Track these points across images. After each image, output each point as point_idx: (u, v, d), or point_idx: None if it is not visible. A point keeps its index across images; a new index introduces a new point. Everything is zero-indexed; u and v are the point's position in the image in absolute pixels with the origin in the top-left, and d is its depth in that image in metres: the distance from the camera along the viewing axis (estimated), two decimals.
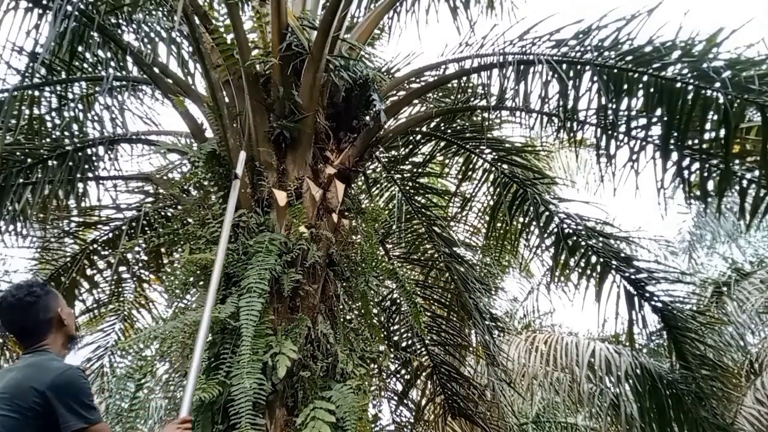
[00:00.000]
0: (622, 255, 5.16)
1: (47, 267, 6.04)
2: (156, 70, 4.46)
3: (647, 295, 5.16)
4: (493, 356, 6.29)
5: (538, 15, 5.89)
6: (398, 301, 6.25)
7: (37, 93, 4.67)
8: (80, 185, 5.05)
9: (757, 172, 3.98)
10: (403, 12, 6.29)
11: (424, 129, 5.62)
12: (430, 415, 6.76)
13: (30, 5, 4.02)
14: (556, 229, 5.20)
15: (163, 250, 5.90)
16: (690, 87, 3.76)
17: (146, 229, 5.72)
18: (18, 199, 4.75)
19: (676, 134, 3.97)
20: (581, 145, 5.75)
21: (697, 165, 4.13)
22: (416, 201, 6.23)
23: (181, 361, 3.51)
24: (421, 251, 6.52)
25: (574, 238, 5.20)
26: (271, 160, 4.05)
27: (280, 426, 3.37)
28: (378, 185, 6.45)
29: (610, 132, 4.40)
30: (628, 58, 3.99)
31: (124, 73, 5.03)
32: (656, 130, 4.16)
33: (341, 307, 4.01)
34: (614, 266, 5.15)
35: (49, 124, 4.91)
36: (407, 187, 6.22)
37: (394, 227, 6.31)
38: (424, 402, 6.71)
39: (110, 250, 6.00)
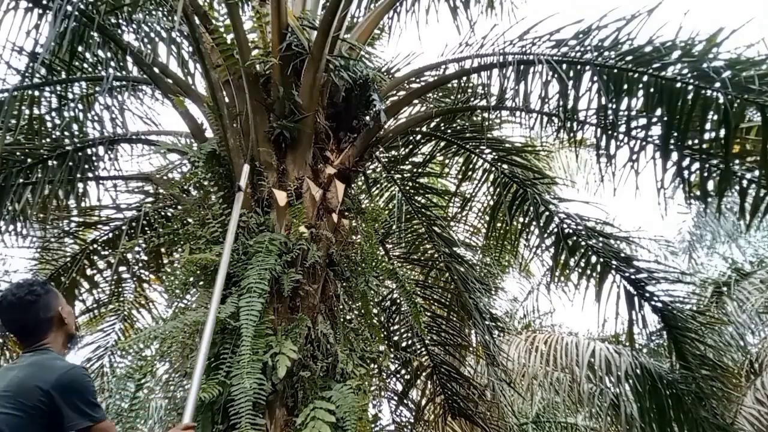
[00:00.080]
0: (622, 255, 5.16)
1: (47, 267, 6.04)
2: (156, 70, 4.47)
3: (647, 295, 5.15)
4: (493, 356, 6.28)
5: (538, 15, 5.92)
6: (398, 301, 6.24)
7: (37, 93, 4.68)
8: (80, 185, 5.05)
9: (757, 172, 3.98)
10: (403, 12, 6.29)
11: (424, 129, 5.62)
12: (430, 415, 6.76)
13: (30, 5, 4.02)
14: (556, 229, 5.20)
15: (163, 250, 5.90)
16: (690, 87, 3.76)
17: (146, 229, 5.71)
18: (18, 199, 4.75)
19: (676, 134, 3.97)
20: (581, 145, 5.74)
21: (697, 165, 4.13)
22: (416, 201, 6.23)
23: (182, 361, 3.51)
24: (421, 251, 6.52)
25: (574, 238, 5.20)
26: (271, 160, 4.05)
27: (280, 426, 3.37)
28: (378, 185, 6.44)
29: (610, 132, 4.40)
30: (628, 58, 3.99)
31: (124, 73, 5.03)
32: (656, 130, 4.16)
33: (341, 307, 4.01)
34: (614, 266, 5.15)
35: (49, 124, 4.91)
36: (407, 187, 6.21)
37: (394, 227, 6.31)
38: (424, 402, 6.71)
39: (110, 250, 6.00)
